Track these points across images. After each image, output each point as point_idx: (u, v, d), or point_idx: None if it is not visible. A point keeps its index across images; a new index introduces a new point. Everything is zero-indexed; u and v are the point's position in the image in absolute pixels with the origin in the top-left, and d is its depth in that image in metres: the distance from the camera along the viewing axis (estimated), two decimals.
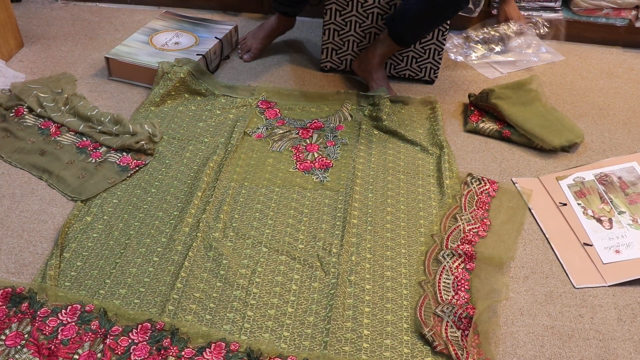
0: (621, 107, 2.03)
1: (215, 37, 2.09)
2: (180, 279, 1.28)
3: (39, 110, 1.76)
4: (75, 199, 1.49)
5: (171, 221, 1.44)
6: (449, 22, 1.92)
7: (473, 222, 1.48)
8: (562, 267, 1.41)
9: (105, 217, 1.44)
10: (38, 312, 1.19)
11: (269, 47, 2.23)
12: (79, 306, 1.21)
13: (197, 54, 1.98)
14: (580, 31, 2.31)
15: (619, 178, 1.65)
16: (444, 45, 1.98)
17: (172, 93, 1.87)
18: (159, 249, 1.37)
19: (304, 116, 1.85)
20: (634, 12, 2.33)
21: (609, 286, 1.36)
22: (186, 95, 1.89)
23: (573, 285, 1.36)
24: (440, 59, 2.02)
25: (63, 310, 1.20)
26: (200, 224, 1.41)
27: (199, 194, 1.50)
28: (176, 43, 2.06)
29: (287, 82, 2.04)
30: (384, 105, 1.83)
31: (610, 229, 1.50)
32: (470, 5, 2.31)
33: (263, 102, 1.89)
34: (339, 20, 1.96)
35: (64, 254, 1.34)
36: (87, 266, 1.32)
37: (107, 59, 1.97)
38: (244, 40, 2.19)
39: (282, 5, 2.04)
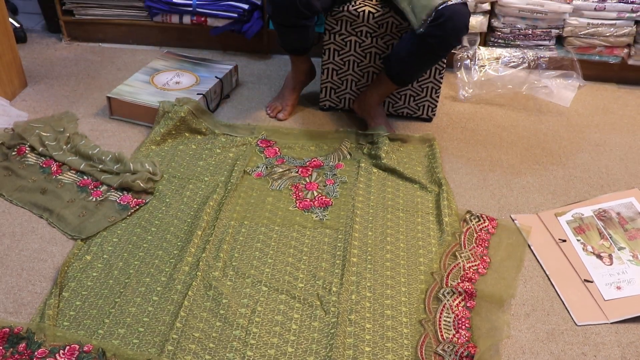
0: (617, 142, 2.05)
1: (216, 77, 2.12)
2: (180, 319, 1.27)
3: (40, 149, 1.78)
4: (76, 238, 1.50)
5: (171, 260, 1.44)
6: (444, 60, 1.95)
7: (473, 259, 1.48)
8: (564, 304, 1.40)
9: (105, 256, 1.44)
10: (36, 353, 1.18)
11: (269, 87, 2.26)
12: (77, 346, 1.20)
13: (198, 93, 2.01)
14: (575, 68, 2.34)
15: (618, 214, 1.65)
16: (441, 83, 2.01)
17: (173, 132, 1.89)
18: (158, 288, 1.36)
19: (303, 155, 1.87)
20: (626, 50, 2.37)
21: (611, 323, 1.36)
22: (187, 134, 1.91)
23: (575, 323, 1.35)
24: (438, 96, 2.05)
25: (61, 351, 1.19)
26: (200, 263, 1.41)
27: (199, 232, 1.50)
28: (177, 82, 2.09)
29: (286, 121, 2.07)
30: (382, 144, 1.85)
31: (611, 265, 1.50)
32: (466, 44, 2.36)
33: (263, 140, 1.91)
34: (337, 59, 2.00)
35: (63, 293, 1.34)
36: (86, 305, 1.31)
37: (108, 98, 1.99)
38: (270, 105, 2.12)
39: (289, 42, 1.94)
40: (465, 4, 1.72)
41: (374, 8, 1.88)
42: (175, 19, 2.44)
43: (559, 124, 2.14)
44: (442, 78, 2.00)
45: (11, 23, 2.16)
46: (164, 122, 1.89)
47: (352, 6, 1.88)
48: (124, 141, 1.91)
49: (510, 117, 2.16)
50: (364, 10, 1.88)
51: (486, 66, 2.29)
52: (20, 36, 2.47)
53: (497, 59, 2.30)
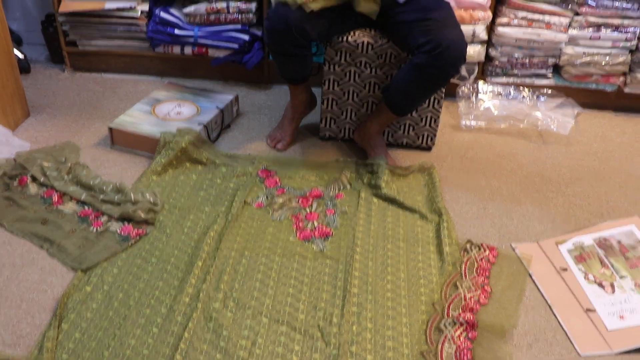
0: (616, 170, 2.06)
1: (217, 107, 2.14)
2: (180, 351, 1.26)
3: (42, 179, 1.78)
4: (76, 268, 1.49)
5: (171, 291, 1.44)
6: (443, 90, 1.97)
7: (474, 289, 1.48)
8: (566, 334, 1.39)
9: (105, 287, 1.44)
10: None
11: (269, 117, 2.28)
12: None
13: (199, 124, 2.02)
14: (572, 96, 2.37)
15: (619, 242, 1.65)
16: (440, 112, 2.03)
17: (174, 162, 1.90)
18: (158, 320, 1.35)
19: (303, 185, 1.87)
20: (622, 78, 2.40)
21: (615, 354, 1.34)
22: (187, 165, 1.92)
23: (578, 353, 1.35)
24: (437, 126, 2.06)
25: None
26: (201, 294, 1.40)
27: (200, 263, 1.50)
28: (178, 113, 2.10)
29: (286, 151, 2.08)
30: (382, 173, 1.86)
31: (613, 293, 1.49)
32: (464, 73, 2.38)
33: (263, 170, 1.92)
34: (337, 89, 2.02)
35: (63, 325, 1.33)
36: (86, 338, 1.30)
37: (110, 128, 2.01)
38: (270, 135, 2.13)
39: (287, 71, 1.96)
40: (461, 34, 1.75)
41: (372, 39, 1.91)
42: (176, 49, 2.47)
43: (558, 152, 2.15)
44: (441, 107, 2.02)
45: (15, 54, 2.19)
46: (165, 153, 1.90)
47: (352, 37, 1.91)
48: (125, 171, 1.92)
49: (510, 146, 2.17)
50: (363, 41, 1.90)
51: (486, 101, 2.31)
52: (24, 67, 2.50)
53: (499, 94, 2.33)
